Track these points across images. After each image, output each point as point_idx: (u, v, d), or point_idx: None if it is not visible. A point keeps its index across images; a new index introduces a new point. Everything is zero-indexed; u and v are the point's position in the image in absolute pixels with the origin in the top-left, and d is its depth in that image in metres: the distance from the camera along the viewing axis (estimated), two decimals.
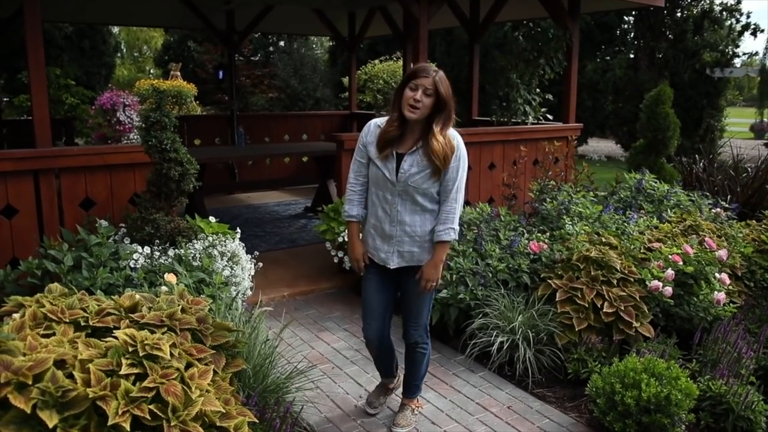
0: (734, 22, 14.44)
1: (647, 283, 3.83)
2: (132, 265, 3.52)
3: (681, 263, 3.97)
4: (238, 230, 4.19)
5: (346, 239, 4.49)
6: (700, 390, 3.12)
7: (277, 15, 8.78)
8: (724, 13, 14.30)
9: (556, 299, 3.74)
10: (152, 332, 2.38)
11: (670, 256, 4.02)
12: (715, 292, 3.89)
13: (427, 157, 2.66)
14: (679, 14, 14.07)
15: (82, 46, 16.26)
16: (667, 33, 14.15)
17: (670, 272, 3.86)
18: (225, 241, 3.93)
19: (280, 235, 6.71)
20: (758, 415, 3.07)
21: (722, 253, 4.15)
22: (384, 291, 2.91)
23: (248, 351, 2.93)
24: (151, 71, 25.63)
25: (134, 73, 25.64)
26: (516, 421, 3.20)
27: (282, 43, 19.20)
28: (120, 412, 1.94)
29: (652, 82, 13.19)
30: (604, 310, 3.62)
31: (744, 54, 23.02)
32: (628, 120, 14.22)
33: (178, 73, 15.07)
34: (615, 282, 3.80)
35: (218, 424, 2.16)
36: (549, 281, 3.88)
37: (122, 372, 2.07)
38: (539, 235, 4.49)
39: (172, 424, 2.00)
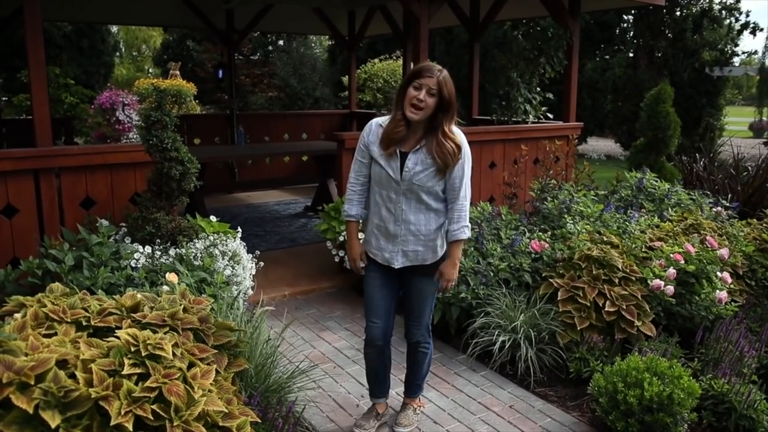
0: (733, 20, 14.46)
1: (649, 282, 3.83)
2: (133, 265, 3.51)
3: (682, 262, 3.97)
4: (239, 229, 4.18)
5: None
6: (703, 389, 3.11)
7: (276, 14, 8.77)
8: (723, 12, 14.31)
9: (558, 298, 3.73)
10: (154, 332, 2.37)
11: (671, 255, 4.01)
12: (717, 291, 3.89)
13: (431, 155, 2.65)
14: (678, 13, 14.08)
15: (81, 46, 16.24)
16: (667, 32, 14.16)
17: (671, 271, 3.86)
18: (226, 241, 3.92)
19: (280, 234, 6.70)
20: (760, 414, 3.07)
21: (724, 252, 4.15)
22: (388, 290, 2.89)
23: (250, 350, 2.92)
24: (150, 70, 25.60)
25: (133, 72, 25.60)
26: (518, 420, 3.20)
27: (281, 42, 19.19)
28: (122, 413, 1.93)
29: (651, 81, 13.19)
30: (606, 309, 3.62)
31: (743, 53, 23.10)
32: (627, 119, 14.23)
33: (178, 72, 15.05)
34: (616, 281, 3.79)
35: (221, 424, 2.16)
36: (550, 280, 3.88)
37: (125, 372, 2.06)
38: (540, 234, 4.48)
39: (175, 424, 2.00)
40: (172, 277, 3.32)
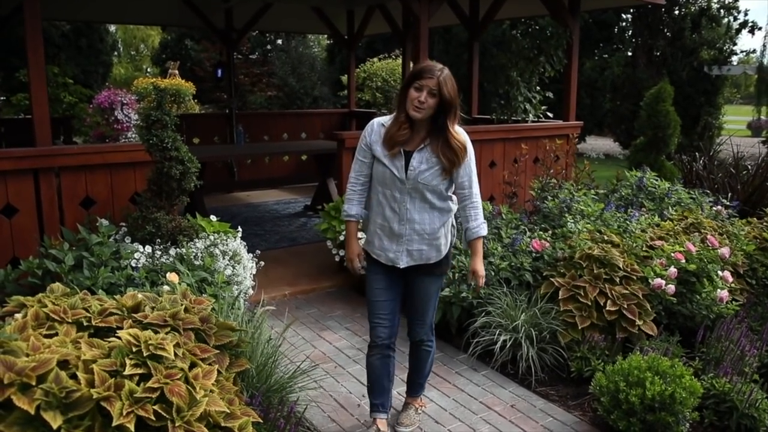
0: (732, 19, 14.47)
1: (650, 281, 3.83)
2: (133, 265, 3.50)
3: (683, 261, 3.96)
4: (240, 229, 4.18)
5: None
6: (704, 388, 3.11)
7: (275, 13, 8.75)
8: (721, 10, 14.31)
9: (559, 297, 3.73)
10: (156, 332, 2.36)
11: (672, 254, 4.01)
12: (718, 290, 3.89)
13: (436, 154, 2.65)
14: (677, 12, 14.07)
15: (80, 45, 16.21)
16: (665, 31, 14.15)
17: (672, 270, 3.86)
18: (226, 240, 3.91)
19: (280, 233, 6.69)
20: (762, 412, 3.07)
21: (724, 251, 4.15)
22: (392, 290, 2.87)
23: (251, 350, 2.92)
24: (149, 70, 25.56)
25: (131, 71, 25.55)
26: (519, 419, 3.19)
27: (280, 42, 19.17)
28: (124, 413, 1.92)
29: (650, 80, 13.20)
30: (607, 308, 3.61)
31: (741, 52, 23.10)
32: (626, 118, 14.23)
33: (177, 72, 15.02)
34: (618, 280, 3.79)
35: (223, 424, 2.15)
36: (551, 279, 3.87)
37: (126, 372, 2.05)
38: (541, 233, 4.48)
39: (177, 424, 1.99)
40: (172, 276, 3.31)
